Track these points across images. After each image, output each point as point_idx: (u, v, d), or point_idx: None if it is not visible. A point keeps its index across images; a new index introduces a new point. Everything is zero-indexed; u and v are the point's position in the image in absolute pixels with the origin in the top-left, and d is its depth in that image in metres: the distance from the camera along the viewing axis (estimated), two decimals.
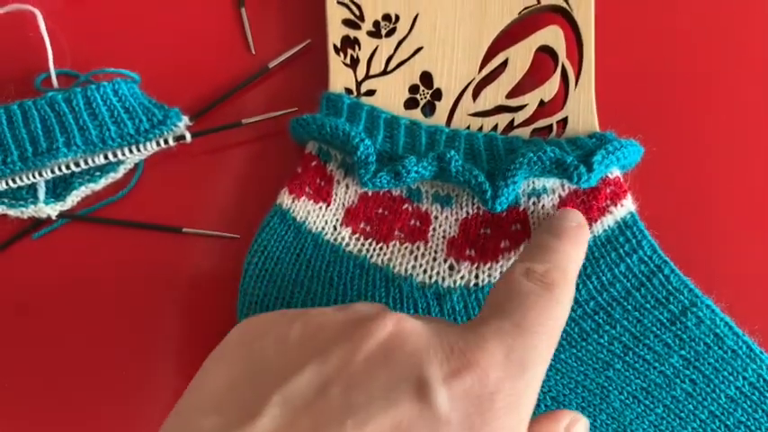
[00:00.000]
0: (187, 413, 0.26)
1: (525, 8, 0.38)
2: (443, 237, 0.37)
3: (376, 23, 0.38)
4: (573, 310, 0.36)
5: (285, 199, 0.37)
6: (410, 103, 0.39)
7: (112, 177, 0.39)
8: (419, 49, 0.38)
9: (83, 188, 0.39)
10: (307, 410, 0.24)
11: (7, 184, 0.38)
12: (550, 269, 0.29)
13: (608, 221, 0.36)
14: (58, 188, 0.39)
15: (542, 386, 0.34)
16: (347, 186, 0.37)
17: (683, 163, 0.39)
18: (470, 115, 0.38)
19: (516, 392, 0.25)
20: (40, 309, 0.38)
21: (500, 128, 0.38)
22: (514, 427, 0.25)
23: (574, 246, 0.31)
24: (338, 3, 0.38)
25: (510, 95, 0.38)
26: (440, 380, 0.24)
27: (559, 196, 0.37)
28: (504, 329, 0.26)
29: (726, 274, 0.38)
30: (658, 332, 0.35)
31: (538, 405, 0.34)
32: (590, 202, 0.36)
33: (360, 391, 0.24)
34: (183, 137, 0.39)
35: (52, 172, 0.38)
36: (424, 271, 0.37)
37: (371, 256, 0.37)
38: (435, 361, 0.25)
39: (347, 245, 0.37)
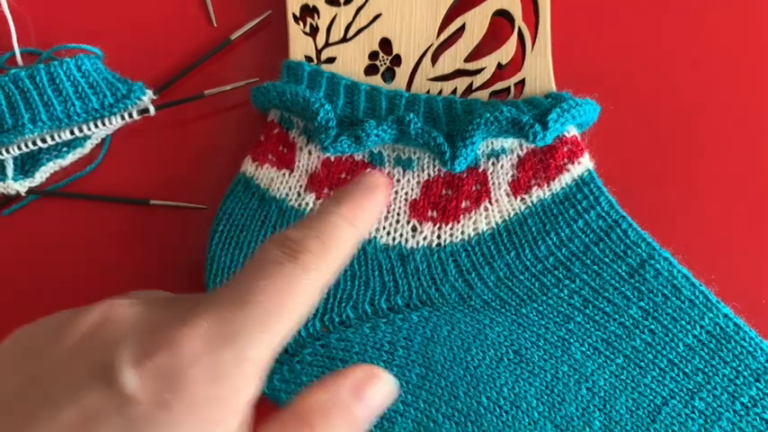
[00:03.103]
0: None
1: None
2: (405, 199, 0.38)
3: None
4: (533, 265, 0.36)
5: (249, 167, 0.38)
6: (370, 70, 0.39)
7: (80, 153, 0.40)
8: (378, 16, 0.39)
9: (51, 164, 0.39)
10: (7, 411, 0.24)
11: None
12: (307, 235, 0.27)
13: (566, 179, 0.37)
14: (26, 165, 0.39)
15: (504, 340, 0.35)
16: (310, 153, 0.38)
17: (640, 120, 0.40)
18: (430, 80, 0.39)
19: (220, 363, 0.24)
20: (12, 284, 0.39)
21: (459, 91, 0.39)
22: (219, 397, 0.24)
23: (354, 209, 0.28)
24: None
25: (468, 59, 0.39)
26: (129, 362, 0.23)
27: (518, 156, 0.37)
28: (226, 301, 0.25)
29: (683, 226, 0.38)
30: (617, 285, 0.36)
31: (500, 359, 0.35)
32: (548, 161, 0.37)
33: (55, 385, 0.24)
34: (147, 110, 0.39)
35: (19, 149, 0.38)
36: (388, 233, 0.37)
37: None
38: (129, 344, 0.24)
39: (311, 210, 0.38)
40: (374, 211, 0.30)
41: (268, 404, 0.36)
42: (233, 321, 0.24)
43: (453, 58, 0.39)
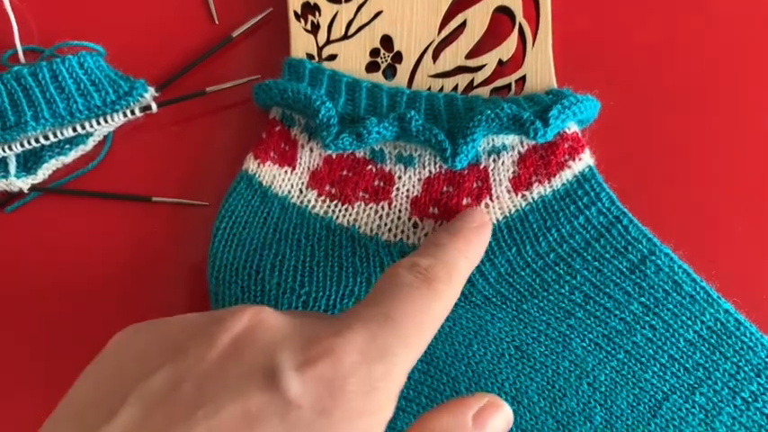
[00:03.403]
0: (49, 427, 0.26)
1: None
2: (407, 196, 0.38)
3: None
4: (534, 261, 0.37)
5: (251, 164, 0.38)
6: (371, 67, 0.39)
7: (82, 150, 0.40)
8: (379, 13, 0.39)
9: (53, 161, 0.40)
10: (161, 406, 0.24)
11: None
12: (435, 264, 0.29)
13: (566, 175, 0.37)
14: (29, 162, 0.40)
15: (505, 336, 0.35)
16: (311, 150, 0.38)
17: (641, 116, 0.40)
18: (431, 77, 0.39)
19: (373, 377, 0.25)
20: (14, 280, 0.39)
21: (460, 88, 0.39)
22: (372, 410, 0.25)
23: (467, 243, 0.32)
24: None
25: (469, 56, 0.39)
26: (291, 368, 0.24)
27: (519, 153, 0.38)
28: (371, 317, 0.26)
29: (684, 222, 0.38)
30: (618, 281, 0.36)
31: (501, 355, 0.35)
32: (548, 158, 0.37)
33: (212, 384, 0.24)
34: (149, 107, 0.39)
35: (22, 146, 0.39)
36: (389, 230, 0.37)
37: (337, 218, 0.38)
38: (289, 350, 0.25)
39: (313, 207, 0.38)
40: (482, 247, 0.34)
41: None
42: (383, 338, 0.26)
43: (454, 55, 0.39)
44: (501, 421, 0.28)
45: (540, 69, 0.39)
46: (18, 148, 0.39)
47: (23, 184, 0.39)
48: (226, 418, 0.23)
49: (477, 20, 0.39)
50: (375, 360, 0.25)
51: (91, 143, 0.40)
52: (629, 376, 0.35)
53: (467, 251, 0.32)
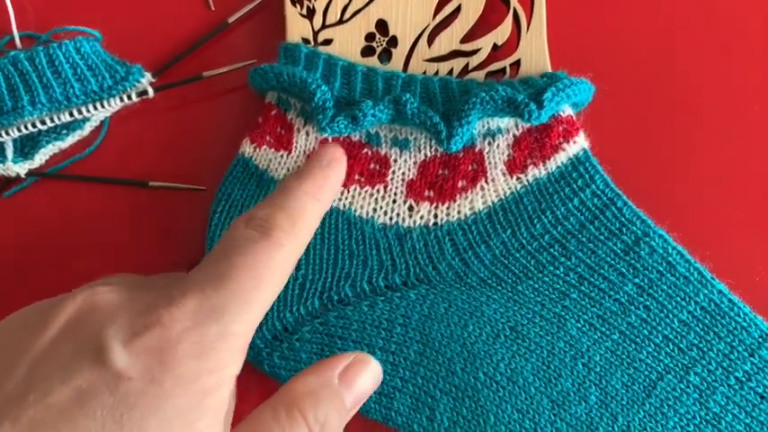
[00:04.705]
0: None
1: None
2: (402, 179, 0.38)
3: None
4: (529, 243, 0.37)
5: (247, 148, 0.38)
6: (367, 51, 0.39)
7: (79, 135, 0.40)
8: None
9: (50, 146, 0.40)
10: None
11: None
12: (275, 213, 0.28)
13: (561, 158, 0.37)
14: (26, 147, 0.40)
15: (500, 317, 0.35)
16: (307, 134, 0.38)
17: (635, 99, 0.40)
18: (426, 61, 0.39)
19: (207, 339, 0.25)
20: (12, 265, 0.39)
21: (455, 72, 0.39)
22: (210, 369, 0.25)
23: (316, 185, 0.30)
24: None
25: (464, 40, 0.39)
26: (119, 342, 0.25)
27: (513, 136, 0.38)
28: (205, 280, 0.26)
29: (678, 204, 0.39)
30: (612, 262, 0.36)
31: (497, 336, 0.36)
32: (543, 140, 0.37)
33: (44, 367, 0.25)
34: (145, 92, 0.39)
35: (19, 131, 0.39)
36: (385, 213, 0.38)
37: (333, 201, 0.38)
38: (118, 326, 0.25)
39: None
40: (335, 184, 0.32)
41: (269, 382, 0.36)
42: (216, 298, 0.26)
43: (449, 39, 0.39)
44: (369, 378, 0.28)
45: (535, 53, 0.39)
46: (15, 133, 0.39)
47: (20, 169, 0.39)
48: (56, 398, 0.23)
49: (472, 4, 0.39)
50: (207, 322, 0.25)
51: (88, 128, 0.40)
52: (624, 357, 0.35)
53: (317, 192, 0.30)
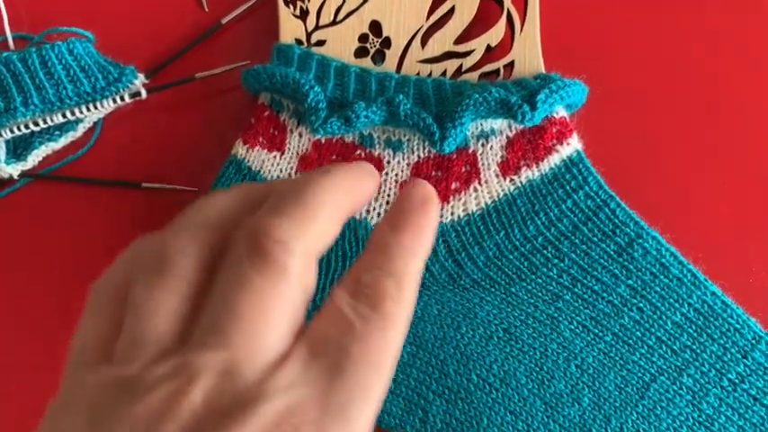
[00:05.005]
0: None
1: None
2: (396, 181, 0.38)
3: None
4: (522, 245, 0.37)
5: (240, 149, 0.38)
6: (360, 52, 0.39)
7: (72, 136, 0.40)
8: None
9: (43, 147, 0.40)
10: None
11: None
12: (381, 277, 0.24)
13: (554, 160, 0.37)
14: (19, 148, 0.40)
15: (493, 319, 0.35)
16: (300, 135, 0.38)
17: (628, 101, 0.40)
18: (420, 62, 0.39)
19: None
20: (5, 266, 0.39)
21: (449, 74, 0.39)
22: None
23: (414, 236, 0.26)
24: None
25: (458, 41, 0.39)
26: None
27: (507, 137, 0.38)
28: (319, 376, 0.22)
29: (671, 206, 0.39)
30: (605, 264, 0.36)
31: (490, 337, 0.36)
32: (536, 142, 0.37)
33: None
34: (138, 93, 0.39)
35: (11, 132, 0.39)
36: (378, 214, 0.38)
37: None
38: None
39: None
40: (434, 228, 0.27)
41: None
42: (340, 394, 0.22)
43: (443, 41, 0.39)
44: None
45: (529, 55, 0.39)
46: (8, 135, 0.39)
47: (13, 170, 0.39)
48: None
49: (466, 6, 0.39)
50: (337, 421, 0.22)
51: (81, 129, 0.40)
52: (617, 358, 0.35)
53: (415, 245, 0.26)
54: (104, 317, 0.25)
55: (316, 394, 0.22)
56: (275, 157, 0.38)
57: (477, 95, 0.36)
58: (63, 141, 0.40)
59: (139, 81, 0.39)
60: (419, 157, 0.38)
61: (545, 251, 0.37)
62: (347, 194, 0.26)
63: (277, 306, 0.23)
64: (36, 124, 0.39)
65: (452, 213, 0.37)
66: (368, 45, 0.39)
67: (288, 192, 0.24)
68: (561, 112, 0.38)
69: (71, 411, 0.23)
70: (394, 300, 0.24)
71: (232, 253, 0.24)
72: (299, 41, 0.39)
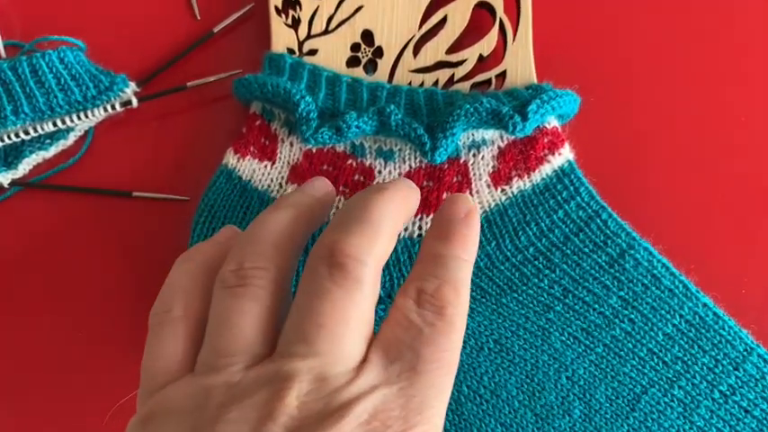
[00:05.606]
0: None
1: None
2: None
3: None
4: (513, 255, 0.37)
5: (231, 159, 0.38)
6: (352, 62, 0.39)
7: (63, 144, 0.40)
8: (360, 8, 0.39)
9: (34, 156, 0.39)
10: None
11: None
12: (441, 286, 0.27)
13: (546, 170, 0.37)
14: (9, 157, 0.40)
15: (484, 329, 0.35)
16: (291, 144, 0.38)
17: (620, 111, 0.40)
18: (412, 71, 0.39)
19: None
20: None
21: (441, 83, 0.39)
22: None
23: (463, 244, 0.29)
24: None
25: (450, 51, 0.39)
26: None
27: (498, 147, 0.38)
28: (396, 378, 0.25)
29: (663, 217, 0.39)
30: (597, 275, 0.36)
31: (481, 348, 0.36)
32: (528, 152, 0.37)
33: None
34: (129, 102, 0.39)
35: (2, 141, 0.39)
36: None
37: None
38: None
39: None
40: (478, 236, 0.30)
41: None
42: (418, 396, 0.25)
43: (435, 50, 0.39)
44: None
45: (521, 65, 0.39)
46: None
47: (4, 179, 0.39)
48: None
49: (458, 15, 0.39)
50: (417, 422, 0.24)
51: (71, 138, 0.40)
52: (608, 370, 0.35)
53: (465, 254, 0.29)
54: (176, 334, 0.28)
55: (397, 393, 0.25)
56: (266, 166, 0.38)
57: (468, 106, 0.35)
58: (54, 150, 0.40)
59: (131, 90, 0.39)
60: (410, 166, 0.38)
61: (536, 262, 0.36)
62: (401, 210, 0.29)
63: (355, 314, 0.25)
64: (26, 133, 0.39)
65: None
66: (360, 54, 0.39)
67: (353, 210, 0.28)
68: (553, 123, 0.38)
69: (168, 422, 0.25)
70: (453, 305, 0.27)
71: (311, 268, 0.26)
72: (290, 51, 0.39)
